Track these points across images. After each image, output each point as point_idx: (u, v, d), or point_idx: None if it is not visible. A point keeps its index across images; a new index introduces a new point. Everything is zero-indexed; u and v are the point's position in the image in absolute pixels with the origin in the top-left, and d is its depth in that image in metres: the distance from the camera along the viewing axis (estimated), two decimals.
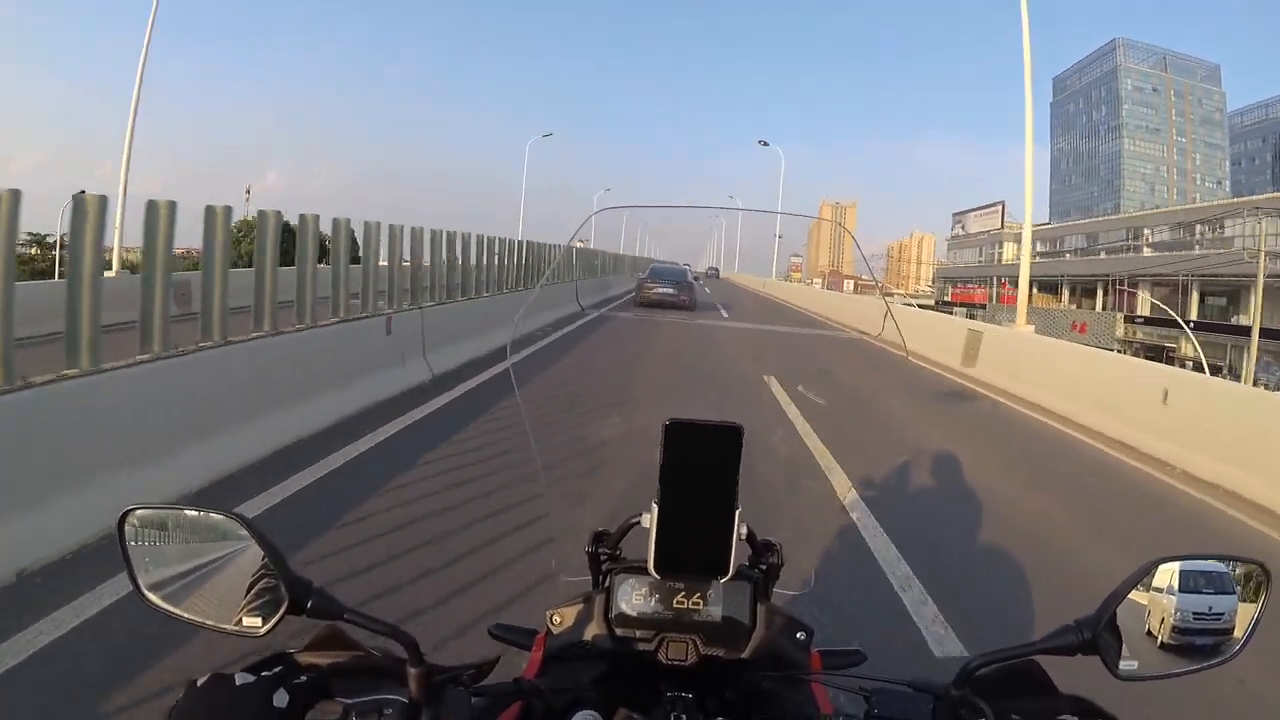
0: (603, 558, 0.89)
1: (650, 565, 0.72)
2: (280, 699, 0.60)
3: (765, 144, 46.11)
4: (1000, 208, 62.34)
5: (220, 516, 0.66)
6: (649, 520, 0.72)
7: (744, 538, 0.77)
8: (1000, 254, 58.93)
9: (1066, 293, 48.17)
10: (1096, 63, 70.56)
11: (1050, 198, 71.93)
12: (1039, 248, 55.91)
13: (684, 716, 0.70)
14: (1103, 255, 46.12)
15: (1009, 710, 0.62)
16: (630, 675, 0.80)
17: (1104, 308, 42.40)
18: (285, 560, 0.64)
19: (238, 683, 0.60)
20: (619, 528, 0.91)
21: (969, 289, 59.26)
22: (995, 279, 55.50)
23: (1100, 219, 53.10)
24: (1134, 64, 67.32)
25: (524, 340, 9.15)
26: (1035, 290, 50.62)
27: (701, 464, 0.69)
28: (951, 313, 31.09)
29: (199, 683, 0.61)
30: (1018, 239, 55.80)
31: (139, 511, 0.68)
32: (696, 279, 27.26)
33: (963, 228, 69.86)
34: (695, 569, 0.73)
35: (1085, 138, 70.01)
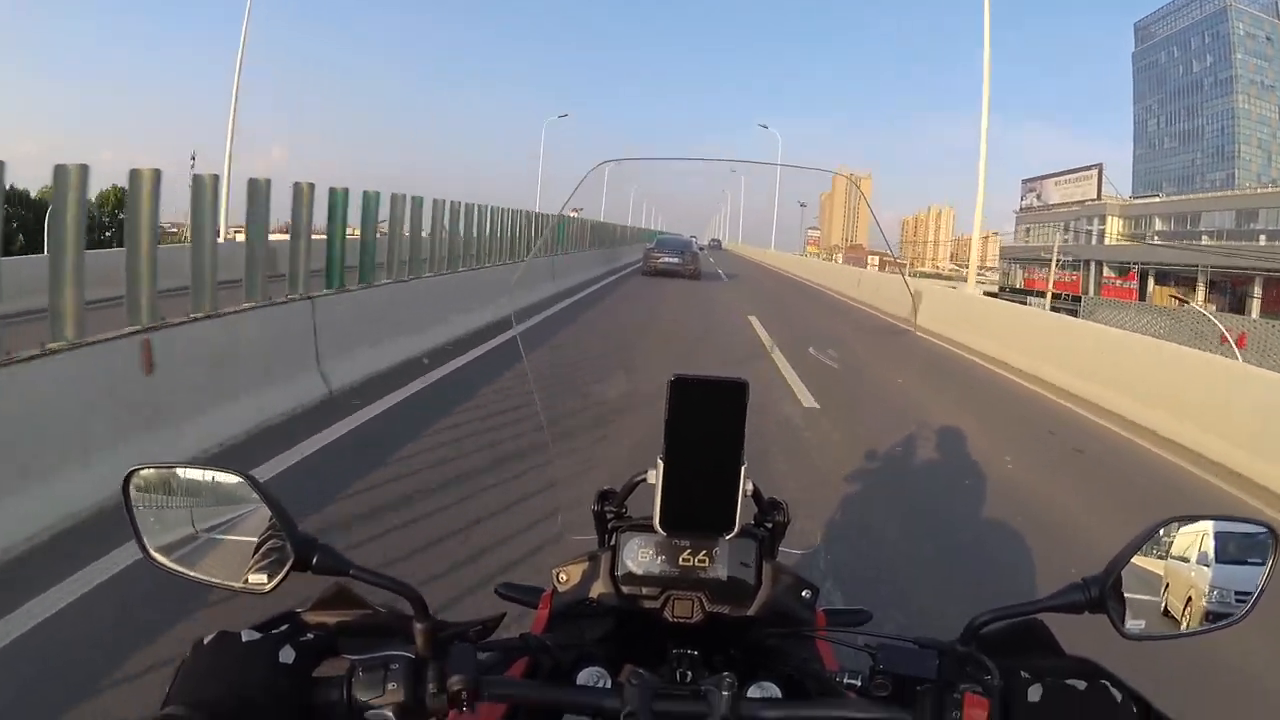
0: (608, 516, 1.00)
1: (656, 522, 0.81)
2: (286, 655, 0.68)
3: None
4: (1095, 173, 56.03)
5: (226, 475, 0.74)
6: (654, 477, 0.81)
7: (750, 494, 0.86)
8: (1096, 231, 52.84)
9: (1203, 288, 41.85)
10: (1193, 4, 63.16)
11: (1134, 165, 66.20)
12: (1130, 228, 51.40)
13: (690, 673, 0.80)
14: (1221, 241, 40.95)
15: (1014, 668, 0.69)
16: (636, 633, 0.90)
17: (1216, 307, 36.96)
18: (291, 518, 0.72)
19: (244, 639, 0.68)
20: (624, 486, 1.01)
21: (1046, 273, 51.26)
22: (1094, 264, 49.83)
23: (1233, 194, 46.84)
24: (1245, 5, 59.79)
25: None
26: (1152, 282, 44.83)
27: (707, 420, 0.77)
28: (1026, 303, 28.61)
29: (205, 641, 0.68)
30: (1124, 214, 52.60)
31: (143, 471, 0.76)
32: (701, 249, 29.55)
33: (1037, 197, 63.55)
34: (701, 526, 0.83)
35: (1183, 95, 63.51)
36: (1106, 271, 50.21)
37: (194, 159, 36.51)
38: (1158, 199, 55.16)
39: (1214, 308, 37.10)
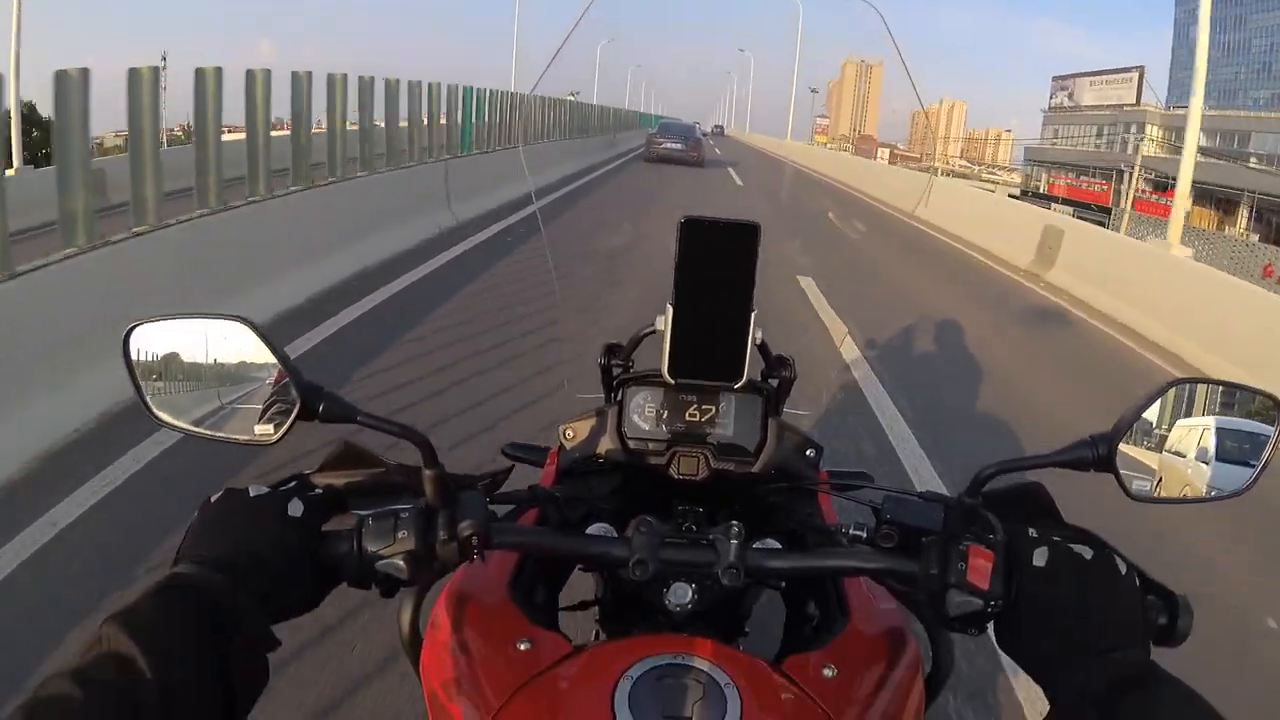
0: (615, 370, 1.01)
1: (664, 370, 0.82)
2: (295, 509, 0.70)
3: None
4: (1135, 77, 52.79)
5: (228, 323, 0.74)
6: (663, 323, 0.81)
7: (758, 344, 0.87)
8: (1133, 140, 48.32)
9: (1245, 216, 39.20)
10: None
11: (1170, 73, 58.34)
12: (1169, 140, 45.12)
13: (695, 528, 0.83)
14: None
15: (1020, 528, 0.71)
16: (642, 489, 0.94)
17: (1250, 234, 35.49)
18: (296, 366, 0.71)
19: (252, 494, 0.70)
20: (631, 339, 1.03)
21: (1080, 181, 50.55)
22: (1126, 174, 45.88)
23: None
24: None
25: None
26: (1189, 200, 44.79)
27: (718, 263, 0.78)
28: (1050, 209, 28.42)
29: (213, 499, 0.70)
30: (1165, 123, 46.52)
31: (143, 325, 0.75)
32: (705, 135, 29.45)
33: (1069, 96, 59.74)
34: (709, 374, 0.83)
35: (1229, 4, 56.92)
36: (1140, 184, 46.01)
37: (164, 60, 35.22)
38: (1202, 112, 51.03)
39: (1257, 237, 36.15)
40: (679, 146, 22.51)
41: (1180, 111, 49.74)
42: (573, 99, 21.24)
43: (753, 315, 0.80)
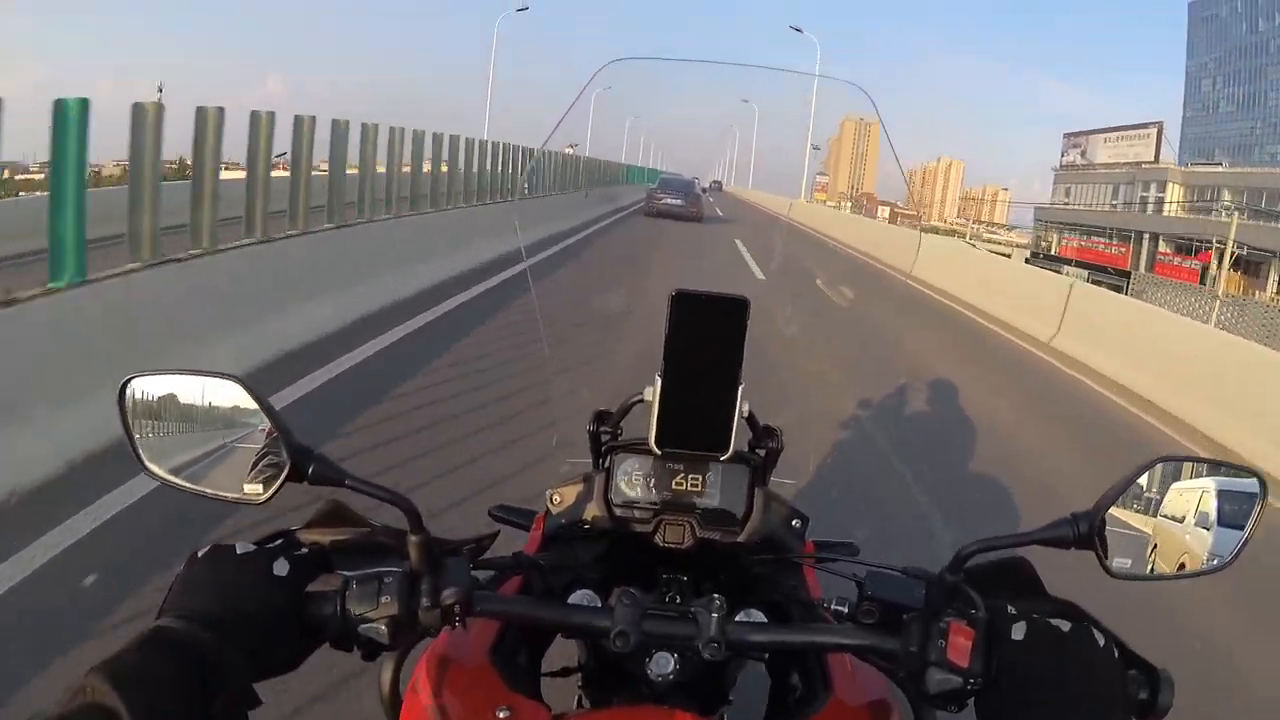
0: (604, 437, 1.04)
1: (651, 440, 0.85)
2: (281, 568, 0.71)
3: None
4: (1153, 133, 51.15)
5: (223, 381, 0.77)
6: (651, 394, 0.84)
7: (746, 417, 0.90)
8: (1152, 198, 46.78)
9: (1276, 276, 36.26)
10: None
11: (1182, 129, 56.95)
12: (1189, 198, 44.75)
13: (679, 597, 0.85)
14: None
15: (1000, 604, 0.73)
16: (628, 556, 0.96)
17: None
18: (287, 426, 0.74)
19: (239, 552, 0.72)
20: (620, 406, 1.06)
21: (1094, 243, 47.90)
22: (1146, 236, 44.55)
23: None
24: None
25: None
26: (1214, 263, 34.27)
27: (707, 337, 0.81)
28: (1063, 273, 26.26)
29: (199, 553, 0.71)
30: (1186, 181, 45.64)
31: (139, 379, 0.78)
32: (703, 191, 30.26)
33: (1082, 154, 57.96)
34: (696, 445, 0.86)
35: (1245, 54, 55.71)
36: (1162, 246, 44.15)
37: (160, 90, 35.69)
38: (1221, 168, 48.47)
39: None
40: (678, 202, 23.29)
41: (1201, 169, 49.56)
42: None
43: (740, 388, 0.84)
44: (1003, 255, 27.24)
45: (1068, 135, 61.40)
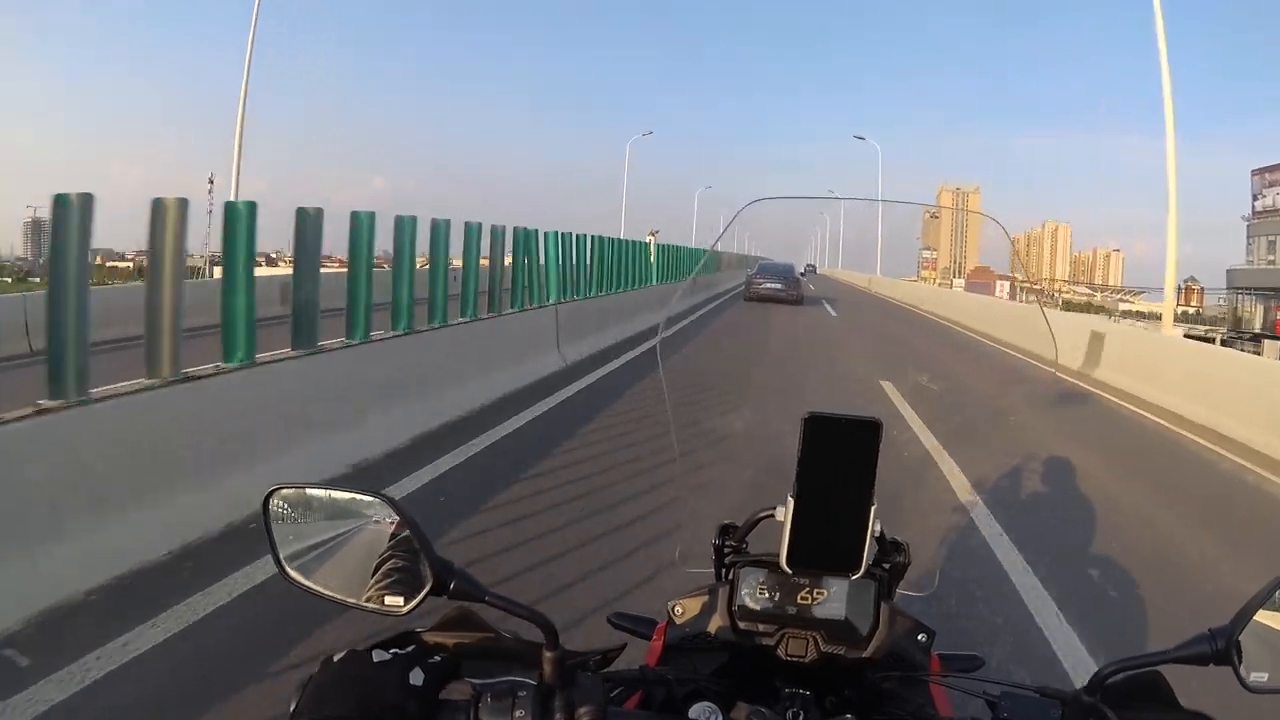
0: (728, 550, 1.06)
1: (783, 559, 0.85)
2: (416, 677, 0.74)
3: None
4: None
5: (367, 497, 0.80)
6: (783, 514, 0.85)
7: (877, 536, 0.90)
8: None
9: None
10: None
11: None
12: None
13: (802, 713, 0.84)
14: None
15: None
16: (749, 669, 0.95)
17: None
18: (429, 541, 0.77)
19: (375, 659, 0.74)
20: (747, 521, 1.07)
21: None
22: None
23: None
24: None
25: None
26: None
27: (839, 458, 0.82)
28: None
29: (335, 658, 0.74)
30: None
31: (284, 490, 0.83)
32: (801, 275, 30.70)
33: None
34: (827, 565, 0.87)
35: None
36: None
37: (211, 182, 37.52)
38: None
39: None
40: (778, 286, 24.35)
41: None
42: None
43: (873, 508, 0.84)
44: (1200, 338, 21.31)
45: (1258, 172, 46.77)
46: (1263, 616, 0.78)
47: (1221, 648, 0.74)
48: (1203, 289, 43.42)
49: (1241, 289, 39.63)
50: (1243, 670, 0.76)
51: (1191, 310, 40.19)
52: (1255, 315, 34.42)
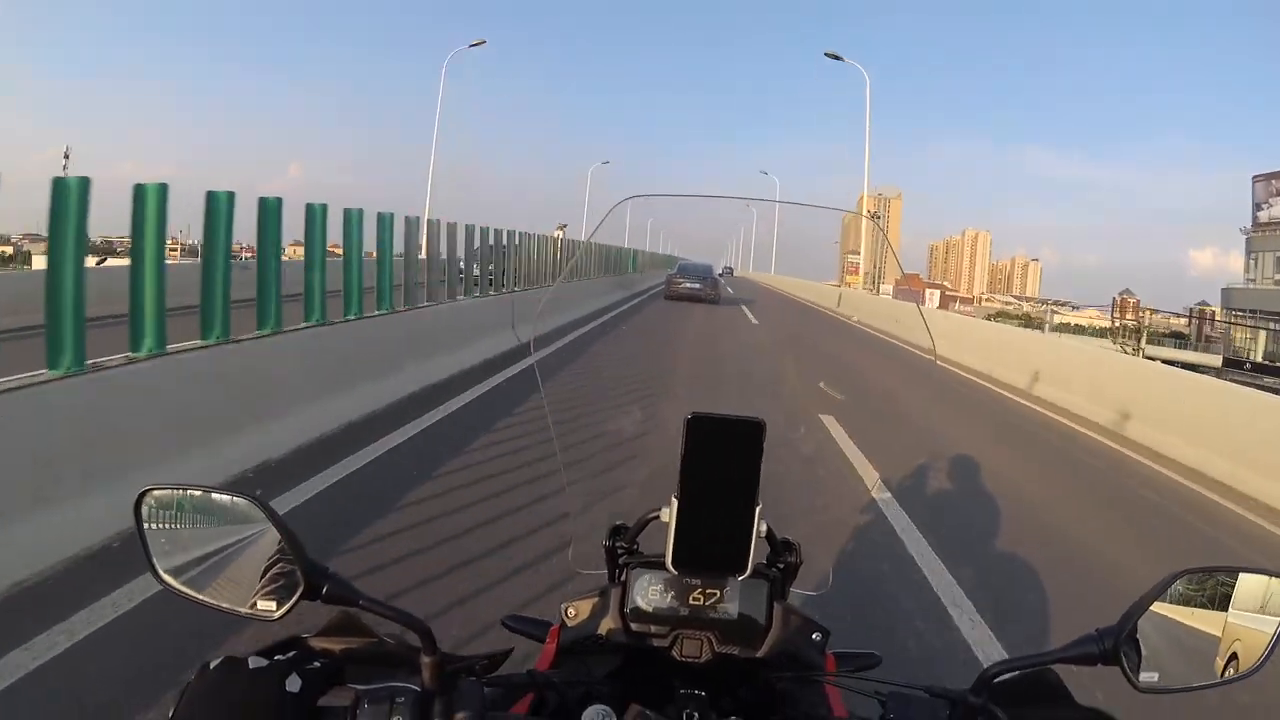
0: (619, 552, 1.06)
1: (668, 561, 0.86)
2: (293, 683, 0.73)
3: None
4: None
5: (238, 499, 0.79)
6: (668, 515, 0.86)
7: (763, 535, 0.90)
8: None
9: None
10: None
11: None
12: None
13: (696, 714, 0.84)
14: None
15: (1026, 719, 0.73)
16: (644, 671, 0.96)
17: None
18: (302, 545, 0.76)
19: (251, 666, 0.73)
20: (637, 522, 1.08)
21: None
22: None
23: None
24: None
25: None
26: None
27: (723, 458, 0.83)
28: None
29: (211, 665, 0.73)
30: None
31: (156, 492, 0.81)
32: (721, 275, 31.09)
33: None
34: (713, 566, 0.87)
35: None
36: None
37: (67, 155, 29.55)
38: None
39: None
40: (697, 286, 25.29)
41: None
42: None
43: (758, 508, 0.85)
44: (1187, 365, 17.58)
45: (1259, 178, 40.97)
46: (1162, 609, 0.81)
47: (1109, 647, 0.77)
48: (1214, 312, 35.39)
49: (1239, 312, 33.28)
50: (1135, 670, 0.78)
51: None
52: (1257, 343, 27.49)
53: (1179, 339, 30.98)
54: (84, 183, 3.89)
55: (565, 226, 25.80)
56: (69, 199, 3.83)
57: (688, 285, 25.43)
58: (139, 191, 4.32)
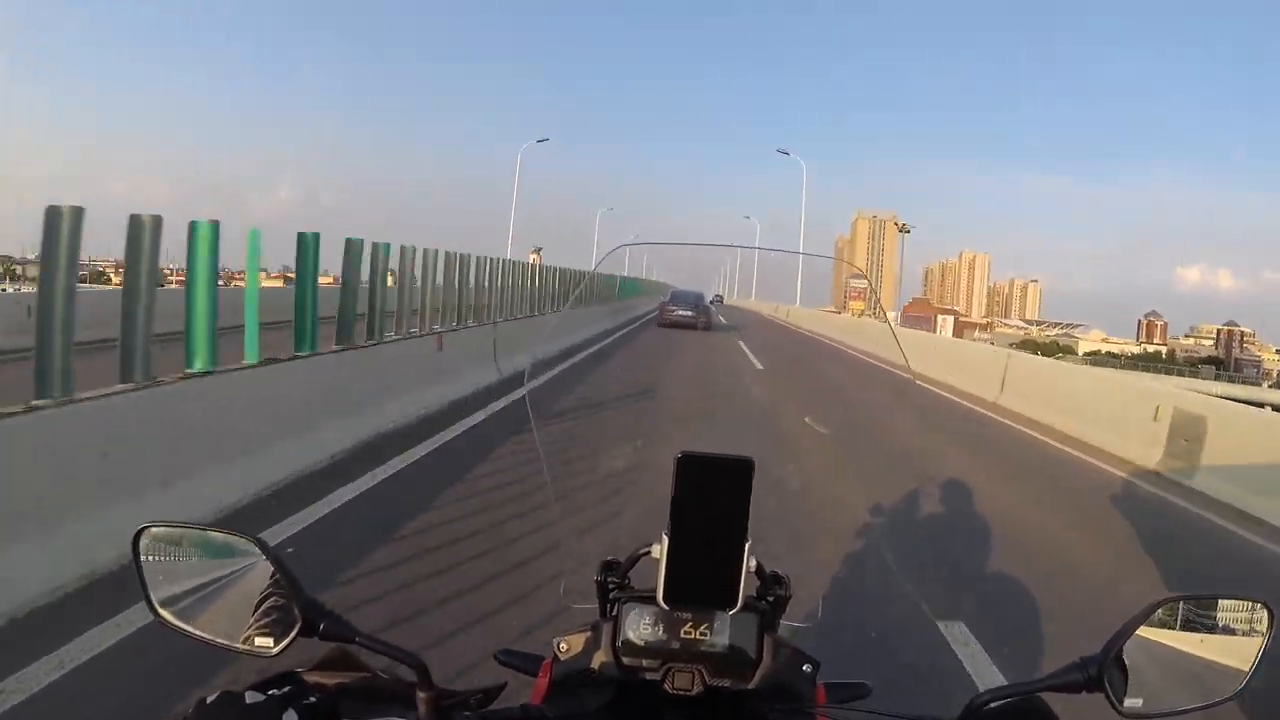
0: (611, 587, 1.09)
1: (659, 596, 0.89)
2: (290, 719, 0.74)
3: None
4: None
5: (236, 538, 0.82)
6: (659, 551, 0.89)
7: (753, 570, 0.94)
8: None
9: None
10: None
11: None
12: None
13: None
14: None
15: None
16: (636, 704, 0.97)
17: None
18: (299, 582, 0.79)
19: (248, 701, 0.74)
20: (628, 558, 1.10)
21: None
22: None
23: None
24: None
25: None
26: None
27: (713, 496, 0.86)
28: None
29: (208, 700, 0.74)
30: None
31: (154, 529, 0.83)
32: (712, 304, 32.09)
33: None
34: (704, 600, 0.90)
35: None
36: None
37: None
38: None
39: None
40: (689, 313, 26.32)
41: None
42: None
43: (747, 544, 0.88)
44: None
45: None
46: (1146, 634, 0.83)
47: (1093, 675, 0.79)
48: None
49: None
50: (1120, 696, 0.80)
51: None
52: None
53: (1218, 365, 29.60)
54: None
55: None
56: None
57: (680, 312, 26.45)
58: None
